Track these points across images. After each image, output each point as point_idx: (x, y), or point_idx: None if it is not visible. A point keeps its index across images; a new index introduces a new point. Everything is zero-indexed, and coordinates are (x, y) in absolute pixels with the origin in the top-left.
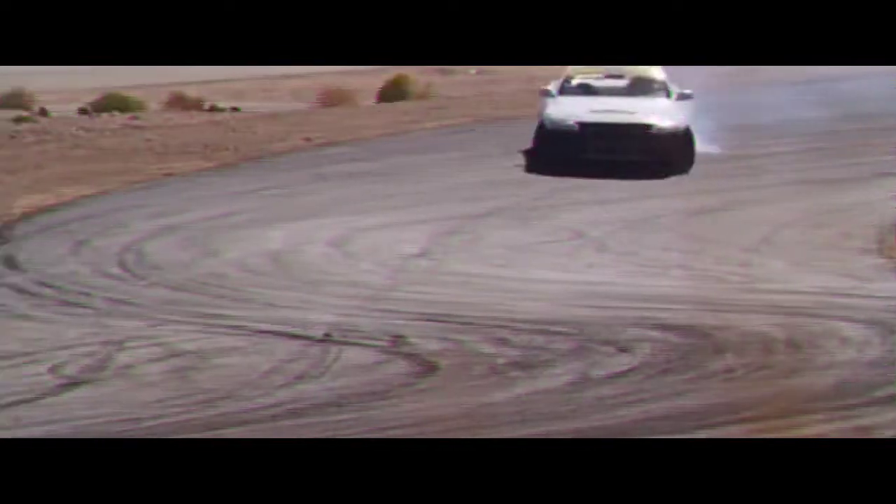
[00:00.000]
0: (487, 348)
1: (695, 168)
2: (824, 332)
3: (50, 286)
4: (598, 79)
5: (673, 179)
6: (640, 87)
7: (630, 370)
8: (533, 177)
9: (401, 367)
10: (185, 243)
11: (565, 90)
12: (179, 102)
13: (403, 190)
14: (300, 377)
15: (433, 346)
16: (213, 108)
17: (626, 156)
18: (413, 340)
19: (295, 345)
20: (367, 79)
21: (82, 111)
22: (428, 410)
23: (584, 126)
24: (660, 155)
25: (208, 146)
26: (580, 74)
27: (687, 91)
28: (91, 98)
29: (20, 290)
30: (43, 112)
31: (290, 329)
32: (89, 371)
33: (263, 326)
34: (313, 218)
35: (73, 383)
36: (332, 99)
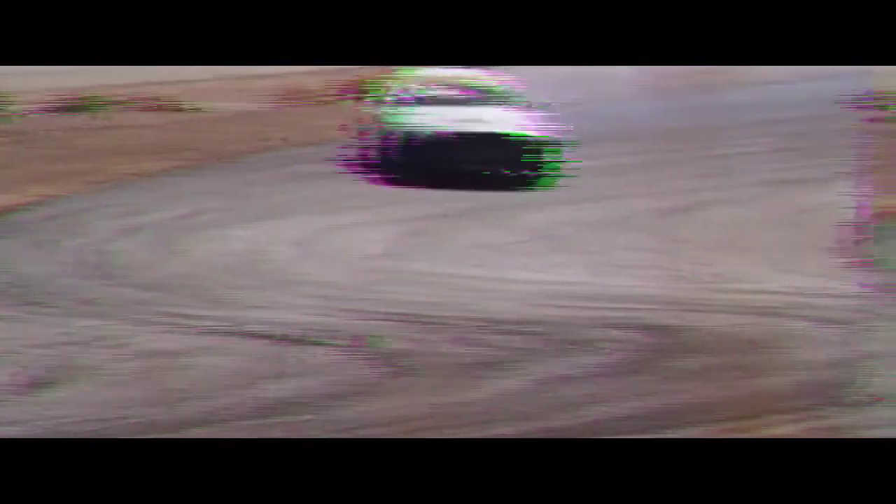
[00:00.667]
0: (454, 348)
1: (664, 168)
2: (792, 331)
3: (17, 286)
4: (444, 88)
5: (641, 178)
6: (490, 97)
7: (597, 370)
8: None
9: (368, 366)
10: (151, 243)
11: (416, 100)
12: (146, 102)
13: (371, 190)
14: (266, 377)
15: (400, 345)
16: (179, 109)
17: (495, 166)
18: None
19: (261, 344)
20: (334, 78)
21: (50, 111)
22: (395, 410)
23: (449, 136)
24: (527, 164)
25: (175, 146)
26: (424, 83)
27: (544, 100)
28: (58, 98)
29: None
30: (10, 112)
31: (256, 329)
32: (56, 371)
33: (230, 326)
34: (280, 218)
35: (41, 383)
36: (299, 98)
